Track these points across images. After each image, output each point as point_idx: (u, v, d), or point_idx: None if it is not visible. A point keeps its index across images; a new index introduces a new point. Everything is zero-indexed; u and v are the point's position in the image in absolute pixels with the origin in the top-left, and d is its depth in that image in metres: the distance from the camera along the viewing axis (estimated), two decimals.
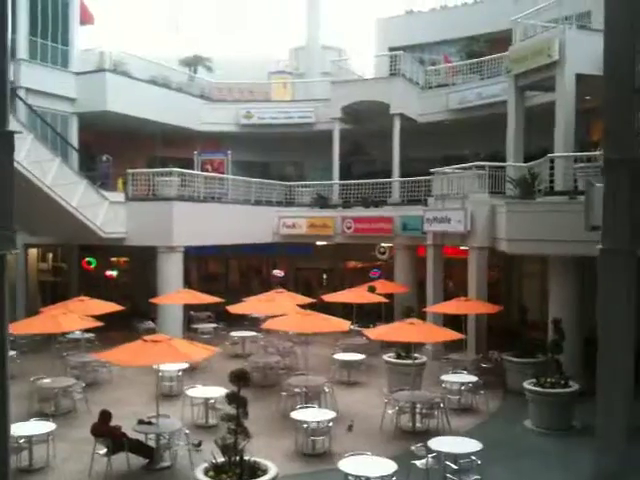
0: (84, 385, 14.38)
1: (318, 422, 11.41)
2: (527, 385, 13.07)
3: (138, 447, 10.82)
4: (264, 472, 8.62)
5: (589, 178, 9.87)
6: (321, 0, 33.24)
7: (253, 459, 8.82)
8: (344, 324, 13.86)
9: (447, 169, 19.38)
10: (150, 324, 21.00)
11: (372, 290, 19.68)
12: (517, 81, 20.02)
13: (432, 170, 20.23)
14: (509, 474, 10.58)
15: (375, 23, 32.69)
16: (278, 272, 28.39)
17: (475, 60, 25.42)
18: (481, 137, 24.35)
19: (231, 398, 8.54)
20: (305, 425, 11.40)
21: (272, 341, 18.81)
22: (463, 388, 14.05)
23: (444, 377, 14.53)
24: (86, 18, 23.26)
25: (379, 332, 13.12)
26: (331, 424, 11.54)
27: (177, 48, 29.89)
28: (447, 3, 31.38)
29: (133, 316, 20.74)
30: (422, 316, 16.89)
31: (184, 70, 28.48)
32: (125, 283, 27.55)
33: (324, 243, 25.12)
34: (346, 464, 9.25)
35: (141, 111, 23.99)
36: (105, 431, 10.50)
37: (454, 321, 16.96)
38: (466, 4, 30.58)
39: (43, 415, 13.06)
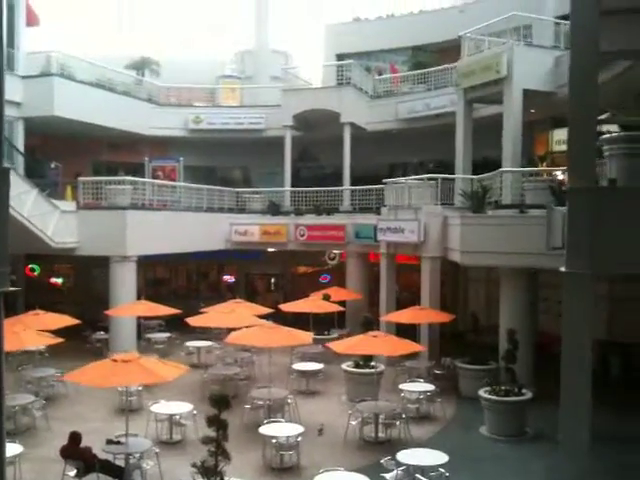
0: (44, 402, 14.11)
1: (287, 437, 11.61)
2: (482, 393, 13.62)
3: (108, 468, 10.76)
4: None
5: (550, 204, 10.40)
6: (269, 4, 33.29)
7: None
8: (307, 337, 14.10)
9: (400, 180, 19.87)
10: (102, 334, 20.71)
11: (327, 298, 19.98)
12: (466, 95, 20.71)
13: (385, 180, 20.68)
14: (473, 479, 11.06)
15: (323, 29, 32.97)
16: (228, 277, 28.48)
17: (422, 71, 26.01)
18: (429, 146, 25.05)
19: (212, 421, 8.64)
20: (274, 440, 11.58)
21: (229, 351, 18.82)
22: (421, 397, 14.52)
23: (402, 386, 14.96)
24: (31, 20, 22.60)
25: (344, 345, 13.38)
26: (300, 438, 11.77)
27: (124, 50, 29.39)
28: (394, 12, 31.91)
29: (83, 325, 20.37)
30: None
31: (131, 73, 28.02)
32: (70, 290, 27.00)
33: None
34: None
35: (88, 116, 23.50)
36: (75, 453, 10.40)
37: (407, 328, 17.44)
38: (412, 13, 31.24)
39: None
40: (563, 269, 8.70)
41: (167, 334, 21.29)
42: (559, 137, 22.41)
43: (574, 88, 8.79)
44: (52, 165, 22.20)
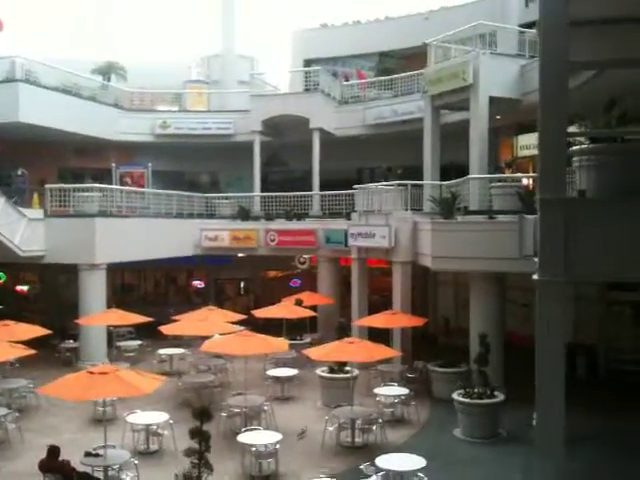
0: (17, 415, 13.93)
1: (266, 445, 11.69)
2: (456, 396, 13.90)
3: None
4: None
5: (521, 214, 10.70)
6: (236, 9, 33.29)
7: None
8: (283, 344, 14.20)
9: (370, 185, 20.12)
10: (71, 343, 20.48)
11: (299, 303, 20.10)
12: (433, 101, 21.08)
13: (355, 186, 20.90)
14: None
15: (290, 35, 33.13)
16: (198, 283, 28.38)
17: (389, 77, 26.32)
18: (397, 151, 25.41)
19: (194, 433, 8.69)
20: (253, 448, 11.66)
21: (202, 358, 18.78)
22: (396, 401, 14.74)
23: (377, 390, 15.17)
24: None
25: (320, 352, 13.52)
26: (278, 446, 11.86)
27: (90, 55, 29.10)
28: (360, 18, 32.23)
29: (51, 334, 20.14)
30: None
31: (97, 78, 27.72)
32: (37, 297, 26.58)
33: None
34: None
35: (54, 121, 23.18)
36: (54, 467, 10.33)
37: (380, 332, 17.64)
38: (378, 20, 31.59)
39: None
40: (536, 277, 8.98)
41: (138, 342, 21.13)
42: (524, 142, 22.96)
43: (544, 99, 9.04)
44: (19, 172, 21.84)
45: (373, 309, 20.07)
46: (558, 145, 8.86)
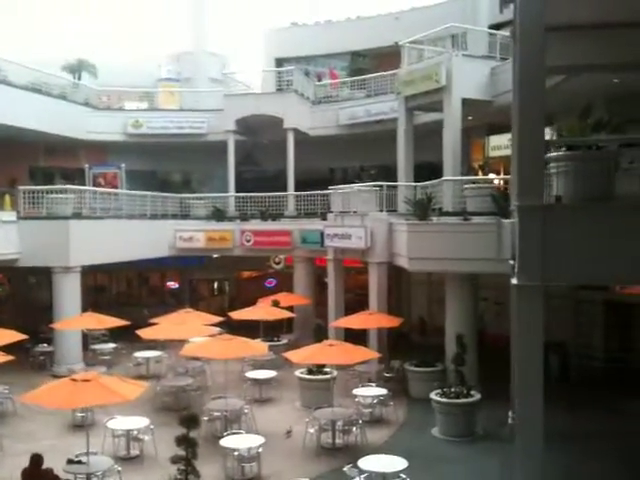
0: None
1: (249, 448, 11.78)
2: (434, 396, 14.14)
3: None
4: None
5: (499, 219, 10.92)
6: (206, 6, 33.18)
7: None
8: (262, 347, 14.29)
9: (345, 187, 20.27)
10: (45, 347, 20.25)
11: (276, 304, 20.17)
12: (407, 103, 21.30)
13: (331, 187, 21.03)
14: None
15: (262, 34, 33.09)
16: (172, 284, 28.26)
17: (361, 77, 26.50)
18: (370, 150, 25.65)
19: (181, 440, 8.75)
20: (236, 452, 11.73)
21: (180, 360, 18.74)
22: (375, 401, 14.94)
23: (356, 391, 15.34)
24: None
25: (301, 356, 13.62)
26: (261, 449, 11.95)
27: (59, 53, 28.64)
28: (331, 18, 32.32)
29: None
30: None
31: (67, 76, 27.38)
32: (8, 298, 26.19)
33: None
34: None
35: (23, 120, 22.89)
36: (38, 476, 10.25)
37: (356, 332, 17.81)
38: (349, 19, 31.72)
39: None
40: (514, 282, 9.20)
41: (113, 344, 20.97)
42: (495, 143, 23.34)
43: (522, 105, 9.18)
44: None
45: (348, 307, 20.34)
46: (535, 152, 9.06)
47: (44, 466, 10.53)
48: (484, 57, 20.19)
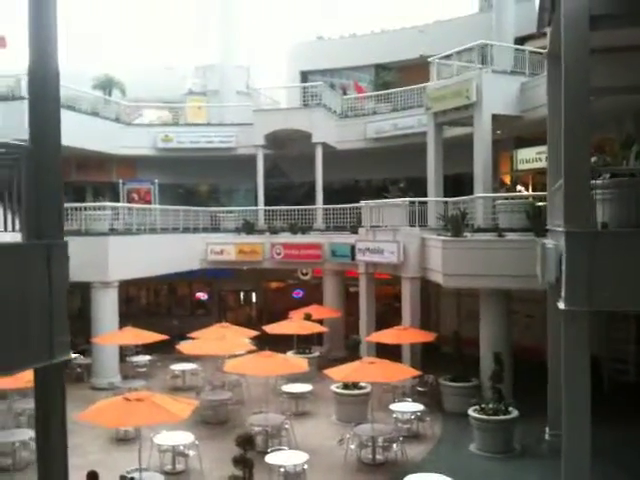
0: None
1: (295, 465, 12.05)
2: (472, 413, 14.32)
3: None
4: None
5: (544, 243, 11.09)
6: (234, 20, 33.61)
7: None
8: (303, 364, 14.53)
9: (377, 202, 20.53)
10: (82, 358, 20.64)
11: (308, 317, 20.45)
12: (436, 118, 21.55)
13: (362, 202, 21.29)
14: None
15: (287, 47, 33.52)
16: (201, 294, 28.65)
17: (388, 91, 26.77)
18: (398, 163, 25.91)
19: (238, 461, 9.04)
20: (282, 469, 12.00)
21: (215, 374, 19.05)
22: (412, 417, 15.15)
23: (393, 406, 15.56)
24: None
25: (343, 373, 13.88)
26: (306, 466, 12.21)
27: (84, 66, 29.21)
28: (356, 31, 32.69)
29: None
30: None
31: (98, 93, 27.92)
32: None
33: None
34: None
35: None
36: None
37: (389, 346, 17.99)
38: (374, 33, 32.05)
39: (1, 469, 12.97)
40: (562, 307, 9.40)
41: (148, 357, 21.33)
42: (523, 156, 23.52)
43: (568, 130, 9.29)
44: None
45: (377, 318, 20.63)
46: (582, 177, 9.27)
47: None
48: (513, 73, 20.38)
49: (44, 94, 6.28)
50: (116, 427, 13.51)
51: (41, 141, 6.19)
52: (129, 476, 11.45)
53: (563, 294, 9.46)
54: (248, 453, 9.36)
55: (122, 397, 11.24)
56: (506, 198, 17.55)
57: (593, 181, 9.82)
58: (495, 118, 19.91)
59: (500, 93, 19.94)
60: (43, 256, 6.03)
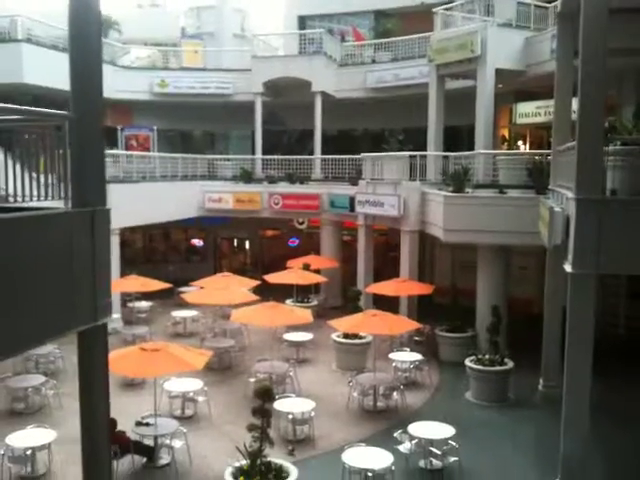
0: (55, 382, 14.56)
1: (302, 412, 12.57)
2: (468, 363, 14.91)
3: (139, 448, 11.49)
4: (287, 474, 9.69)
5: (552, 208, 11.35)
6: None
7: (276, 462, 9.86)
8: (307, 315, 14.90)
9: (378, 155, 20.64)
10: None
11: (307, 267, 20.81)
12: (439, 70, 21.45)
13: (363, 154, 21.38)
14: (472, 447, 12.22)
15: None
16: (197, 241, 28.88)
17: (390, 40, 26.45)
18: (395, 113, 25.85)
19: (257, 411, 9.47)
20: (290, 416, 12.52)
21: (216, 321, 19.48)
22: (411, 366, 15.73)
23: (392, 356, 16.12)
24: None
25: (347, 324, 14.33)
26: (313, 413, 12.74)
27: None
28: None
29: None
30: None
31: None
32: None
33: None
34: (348, 456, 10.49)
35: (54, 81, 22.94)
36: (112, 439, 11.00)
37: (385, 297, 18.37)
38: None
39: (15, 413, 13.42)
40: (569, 269, 9.76)
41: (149, 303, 21.67)
42: (522, 110, 23.57)
43: (584, 97, 9.49)
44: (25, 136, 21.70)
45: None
46: (596, 145, 9.50)
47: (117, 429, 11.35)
48: (518, 27, 20.24)
49: (87, 62, 6.26)
50: (134, 377, 13.91)
51: (84, 109, 6.24)
52: (144, 421, 11.91)
53: (570, 258, 9.81)
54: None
55: (138, 347, 11.57)
56: (508, 155, 17.74)
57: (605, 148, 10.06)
58: (498, 72, 19.85)
59: (504, 47, 19.83)
60: (88, 223, 6.17)
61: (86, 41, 6.26)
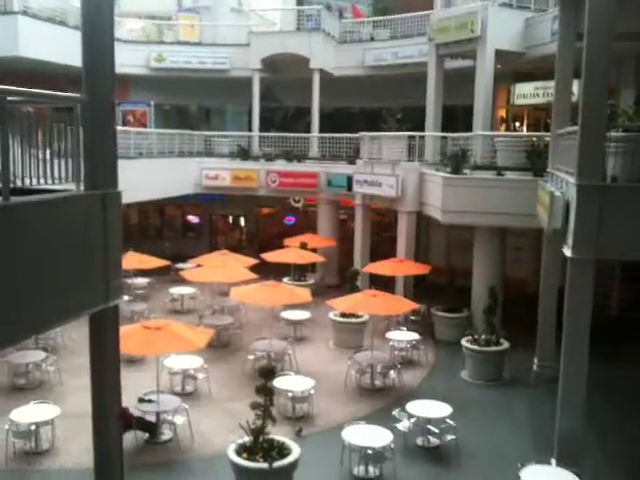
0: (55, 358, 14.68)
1: (302, 391, 12.76)
2: (464, 343, 15.14)
3: (142, 424, 11.66)
4: (289, 451, 9.86)
5: (552, 192, 11.45)
6: None
7: (278, 439, 10.04)
8: (307, 295, 15.03)
9: (376, 134, 20.63)
10: None
11: (304, 246, 20.90)
12: (438, 50, 21.39)
13: (361, 134, 21.36)
14: (468, 425, 12.47)
15: None
16: (193, 218, 28.90)
17: (389, 17, 26.28)
18: (394, 91, 25.74)
19: (260, 389, 9.63)
20: (290, 394, 12.71)
21: (214, 298, 19.57)
22: (408, 345, 15.93)
23: (389, 335, 16.31)
24: None
25: (346, 304, 14.47)
26: (312, 391, 12.94)
27: None
28: None
29: None
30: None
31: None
32: None
33: None
34: (348, 434, 10.69)
35: (50, 54, 22.78)
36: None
37: (381, 276, 18.51)
38: None
39: (17, 388, 13.54)
40: (569, 254, 9.91)
41: (146, 279, 21.73)
42: (521, 91, 23.58)
43: (588, 81, 9.52)
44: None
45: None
46: (598, 132, 9.59)
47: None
48: (519, 7, 20.16)
49: (100, 40, 6.29)
50: (136, 354, 14.02)
51: (96, 92, 6.27)
52: (146, 398, 12.06)
53: (571, 242, 9.96)
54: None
55: (141, 325, 11.68)
56: (507, 137, 17.79)
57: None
58: (498, 53, 19.83)
59: (505, 28, 19.78)
60: (100, 205, 6.26)
61: (99, 18, 6.29)
